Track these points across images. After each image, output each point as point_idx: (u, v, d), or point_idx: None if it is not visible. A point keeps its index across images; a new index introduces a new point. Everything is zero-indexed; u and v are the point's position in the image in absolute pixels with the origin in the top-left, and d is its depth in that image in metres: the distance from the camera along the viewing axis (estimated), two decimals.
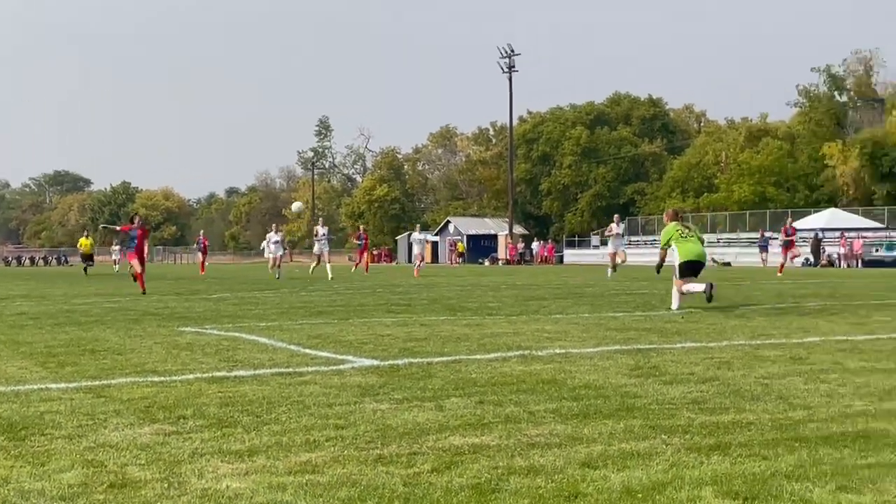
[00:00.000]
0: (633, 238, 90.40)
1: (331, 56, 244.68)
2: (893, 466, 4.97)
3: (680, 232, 18.01)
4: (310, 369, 8.89)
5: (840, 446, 5.44)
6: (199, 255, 52.26)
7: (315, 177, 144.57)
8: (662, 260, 18.83)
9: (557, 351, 10.21)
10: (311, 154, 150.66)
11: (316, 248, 38.63)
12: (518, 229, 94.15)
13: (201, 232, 60.62)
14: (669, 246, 18.01)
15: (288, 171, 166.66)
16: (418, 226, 50.29)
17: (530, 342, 11.17)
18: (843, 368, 8.62)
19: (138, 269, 25.50)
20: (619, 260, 35.91)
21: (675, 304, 17.33)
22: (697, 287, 17.19)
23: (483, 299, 20.70)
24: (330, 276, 35.32)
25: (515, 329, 13.00)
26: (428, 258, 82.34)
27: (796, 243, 42.14)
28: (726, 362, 9.10)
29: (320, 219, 45.46)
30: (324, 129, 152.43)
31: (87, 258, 53.14)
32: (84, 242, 54.36)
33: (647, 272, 46.46)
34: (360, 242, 44.53)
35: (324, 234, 38.11)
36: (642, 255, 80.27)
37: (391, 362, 9.33)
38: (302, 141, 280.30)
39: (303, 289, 27.57)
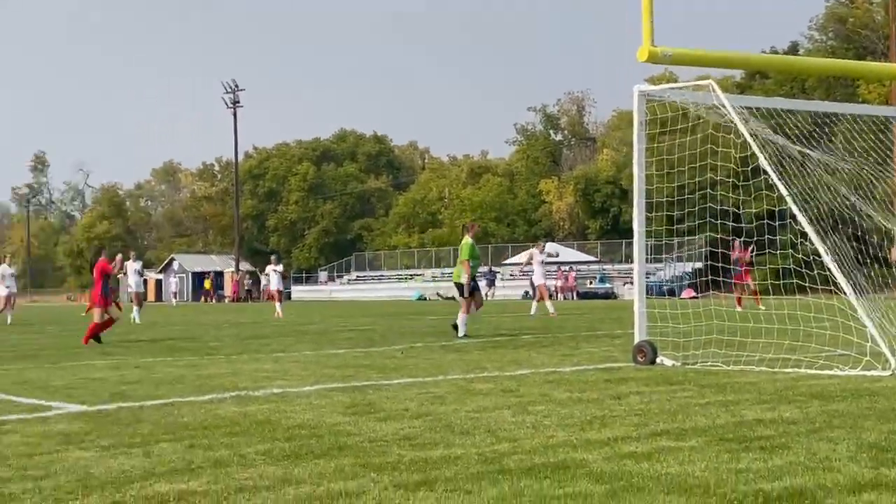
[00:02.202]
0: (361, 273, 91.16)
1: (48, 87, 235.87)
2: (589, 496, 5.16)
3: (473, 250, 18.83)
4: (12, 417, 8.48)
5: (541, 477, 5.60)
6: None
7: (30, 214, 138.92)
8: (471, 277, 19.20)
9: (275, 391, 10.13)
10: (26, 190, 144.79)
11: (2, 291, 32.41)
12: (245, 265, 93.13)
13: None
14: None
15: (2, 207, 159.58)
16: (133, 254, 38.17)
17: (248, 382, 11.04)
18: (549, 400, 8.92)
19: None
20: (545, 296, 30.80)
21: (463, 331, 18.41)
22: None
23: (204, 339, 20.35)
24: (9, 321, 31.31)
25: (234, 369, 12.83)
26: (151, 297, 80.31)
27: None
28: (440, 397, 9.26)
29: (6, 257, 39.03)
30: (40, 164, 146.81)
31: None
32: None
33: (375, 307, 46.95)
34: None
35: (11, 274, 33.02)
36: (371, 291, 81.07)
37: (100, 407, 9.02)
38: (16, 176, 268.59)
39: (12, 331, 26.35)
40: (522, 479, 5.55)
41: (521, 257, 32.05)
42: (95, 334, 18.93)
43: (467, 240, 19.45)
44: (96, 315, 19.15)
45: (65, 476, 5.92)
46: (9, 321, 30.99)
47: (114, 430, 7.67)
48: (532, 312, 30.01)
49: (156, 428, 7.72)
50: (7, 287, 32.23)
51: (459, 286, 19.23)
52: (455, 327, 18.75)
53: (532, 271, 31.96)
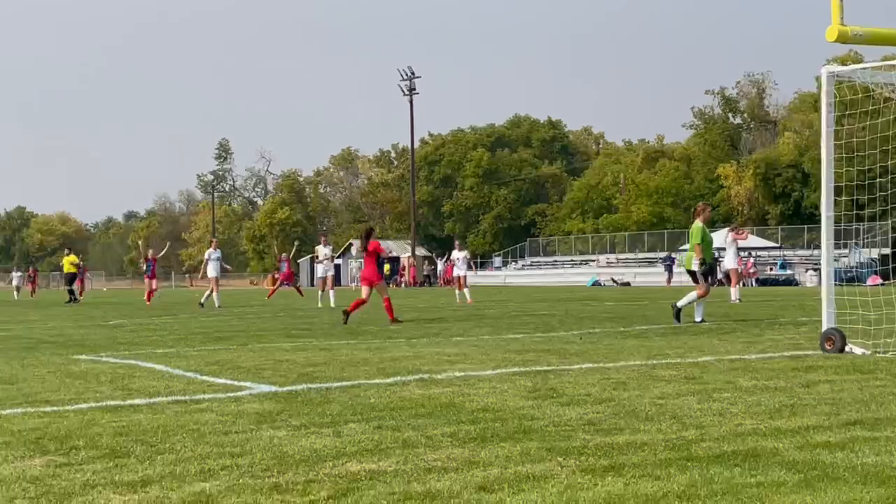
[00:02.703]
0: (535, 259, 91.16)
1: (230, 77, 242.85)
2: (781, 484, 5.07)
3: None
4: (206, 396, 8.79)
5: (731, 465, 5.53)
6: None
7: (215, 200, 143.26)
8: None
9: (457, 374, 10.24)
10: (210, 177, 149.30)
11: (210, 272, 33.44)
12: (421, 251, 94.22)
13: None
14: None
15: (188, 194, 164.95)
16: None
17: (430, 365, 11.18)
18: (735, 387, 8.77)
19: None
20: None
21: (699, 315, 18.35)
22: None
23: (384, 322, 20.68)
24: (217, 304, 31.89)
25: (416, 352, 13.00)
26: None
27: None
28: (622, 383, 9.21)
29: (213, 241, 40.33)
30: (224, 151, 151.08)
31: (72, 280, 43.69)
32: (67, 260, 44.85)
33: (549, 292, 46.90)
34: (148, 270, 38.21)
35: (217, 258, 33.79)
36: (545, 276, 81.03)
37: (289, 388, 9.27)
38: (201, 164, 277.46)
39: (202, 314, 27.27)
40: (712, 467, 5.48)
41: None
42: (391, 309, 20.43)
43: (697, 224, 19.06)
44: (381, 292, 20.91)
45: (260, 454, 6.11)
46: (217, 304, 31.57)
47: (304, 410, 7.88)
48: (733, 298, 29.20)
49: (344, 409, 7.89)
50: (214, 271, 33.14)
51: (692, 273, 18.88)
52: (677, 312, 18.29)
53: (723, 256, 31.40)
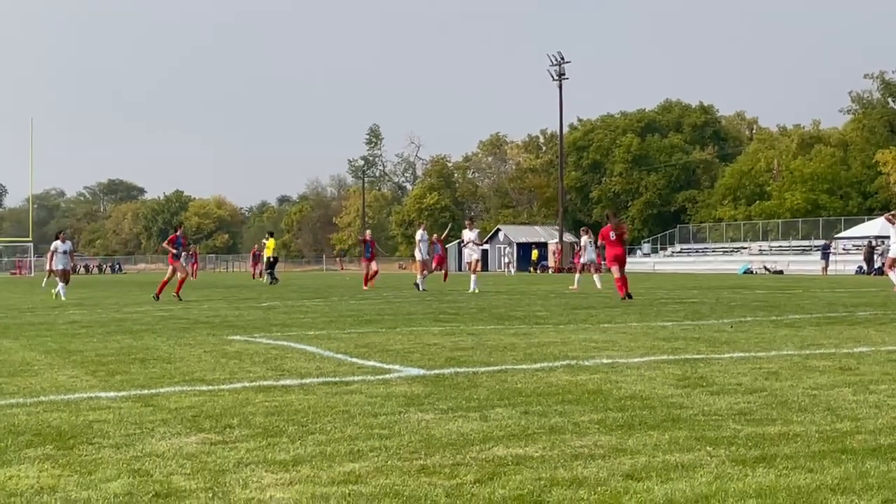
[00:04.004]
0: (685, 246, 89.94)
1: (381, 63, 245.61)
2: None
3: None
4: (356, 378, 8.92)
5: (887, 459, 5.37)
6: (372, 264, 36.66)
7: (366, 185, 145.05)
8: None
9: (604, 361, 10.17)
10: (361, 162, 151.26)
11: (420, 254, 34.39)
12: (569, 237, 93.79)
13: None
14: None
15: (339, 179, 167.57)
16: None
17: (577, 352, 11.14)
18: (893, 379, 8.52)
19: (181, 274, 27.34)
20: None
21: None
22: None
23: (531, 308, 20.67)
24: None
25: (563, 338, 12.96)
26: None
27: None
28: (774, 373, 9.02)
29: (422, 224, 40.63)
30: (374, 137, 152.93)
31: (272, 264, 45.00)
32: (271, 244, 45.78)
33: (699, 280, 46.25)
34: (367, 252, 35.85)
35: (424, 240, 34.48)
36: (694, 264, 79.93)
37: (437, 372, 9.35)
38: (352, 149, 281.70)
39: (352, 297, 27.68)
40: (867, 460, 5.34)
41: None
42: (625, 285, 23.89)
43: None
44: (616, 272, 24.33)
45: (408, 436, 6.17)
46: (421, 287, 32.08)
47: (451, 393, 7.93)
48: None
49: (491, 393, 7.92)
50: (422, 255, 34.34)
51: None
52: None
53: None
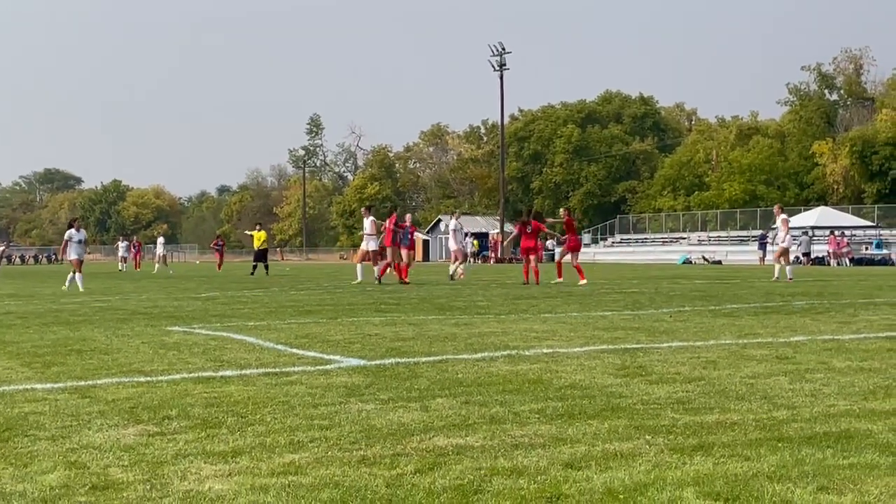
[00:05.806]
0: (625, 236, 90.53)
1: (322, 54, 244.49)
2: (874, 467, 4.98)
3: None
4: (296, 369, 8.89)
5: (822, 446, 5.44)
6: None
7: (306, 175, 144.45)
8: None
9: (545, 350, 10.21)
10: (302, 152, 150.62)
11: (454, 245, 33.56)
12: (509, 227, 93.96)
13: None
14: None
15: (279, 169, 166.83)
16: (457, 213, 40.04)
17: (518, 342, 11.17)
18: (828, 368, 8.63)
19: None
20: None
21: None
22: None
23: (472, 298, 20.70)
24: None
25: (504, 328, 13.00)
26: (419, 256, 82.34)
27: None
28: (712, 362, 9.11)
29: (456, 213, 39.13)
30: (315, 127, 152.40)
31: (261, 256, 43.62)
32: (259, 236, 44.66)
33: (639, 270, 46.59)
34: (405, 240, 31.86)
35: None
36: (634, 254, 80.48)
37: (378, 362, 9.34)
38: (293, 139, 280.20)
39: (292, 288, 27.56)
40: (803, 448, 5.40)
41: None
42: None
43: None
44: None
45: (348, 427, 6.16)
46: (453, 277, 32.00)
47: (392, 384, 7.92)
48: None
49: (432, 383, 7.92)
50: (458, 244, 33.85)
51: None
52: None
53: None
